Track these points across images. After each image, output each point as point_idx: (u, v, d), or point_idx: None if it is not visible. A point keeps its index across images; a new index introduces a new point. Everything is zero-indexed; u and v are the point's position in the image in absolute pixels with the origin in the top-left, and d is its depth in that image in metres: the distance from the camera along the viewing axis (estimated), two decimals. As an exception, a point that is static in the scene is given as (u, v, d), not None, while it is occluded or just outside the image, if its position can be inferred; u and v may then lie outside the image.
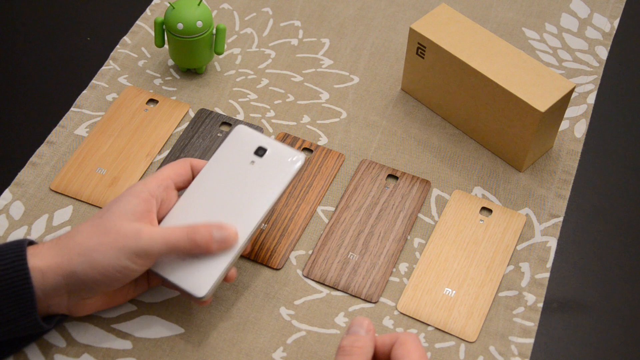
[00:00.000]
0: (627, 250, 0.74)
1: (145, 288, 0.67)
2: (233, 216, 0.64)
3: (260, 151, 0.66)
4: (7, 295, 0.58)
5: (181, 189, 0.67)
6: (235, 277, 0.66)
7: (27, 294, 0.58)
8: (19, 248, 0.59)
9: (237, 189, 0.65)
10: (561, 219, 0.74)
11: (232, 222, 0.64)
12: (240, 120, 0.81)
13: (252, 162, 0.66)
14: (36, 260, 0.59)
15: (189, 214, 0.64)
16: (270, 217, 0.74)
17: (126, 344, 0.65)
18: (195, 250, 0.62)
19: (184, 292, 0.63)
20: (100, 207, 0.74)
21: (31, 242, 0.62)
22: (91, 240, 0.60)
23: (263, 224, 0.73)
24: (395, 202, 0.75)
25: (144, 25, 0.91)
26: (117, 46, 0.89)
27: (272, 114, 0.82)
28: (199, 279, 0.62)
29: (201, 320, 0.67)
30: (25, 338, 0.63)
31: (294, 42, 0.89)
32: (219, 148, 0.67)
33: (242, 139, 0.67)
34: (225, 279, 0.64)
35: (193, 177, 0.67)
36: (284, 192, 0.66)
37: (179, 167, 0.66)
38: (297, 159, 0.66)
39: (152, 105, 0.83)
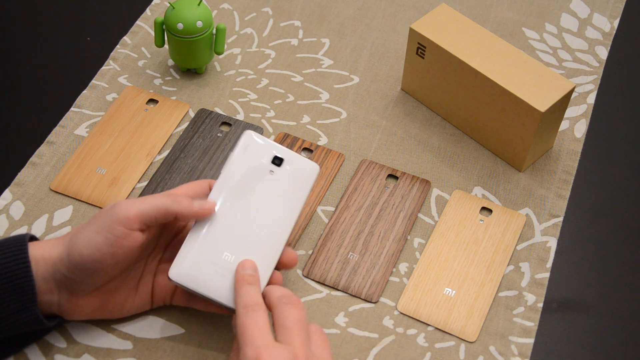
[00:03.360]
0: (627, 250, 0.74)
1: (148, 306, 0.66)
2: (265, 228, 0.64)
3: (276, 160, 0.66)
4: (7, 287, 0.58)
5: None
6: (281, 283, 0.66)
7: (28, 287, 0.59)
8: (21, 242, 0.60)
9: (262, 200, 0.64)
10: (561, 219, 0.74)
11: (265, 234, 0.63)
12: (240, 120, 0.81)
13: (271, 171, 0.65)
14: (33, 250, 0.60)
15: (219, 228, 0.63)
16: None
17: (126, 344, 0.65)
18: (174, 207, 0.61)
19: (229, 310, 0.62)
20: (100, 207, 0.74)
21: (33, 238, 0.63)
22: (79, 229, 0.61)
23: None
24: (395, 202, 0.75)
25: (144, 25, 0.91)
26: (117, 46, 0.89)
27: (272, 114, 0.82)
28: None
29: (201, 320, 0.67)
30: (25, 337, 0.63)
31: (294, 42, 0.89)
32: (232, 156, 0.65)
33: (254, 146, 0.66)
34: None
35: None
36: (306, 201, 0.66)
37: (193, 189, 0.65)
38: (314, 167, 0.66)
39: (152, 105, 0.83)
